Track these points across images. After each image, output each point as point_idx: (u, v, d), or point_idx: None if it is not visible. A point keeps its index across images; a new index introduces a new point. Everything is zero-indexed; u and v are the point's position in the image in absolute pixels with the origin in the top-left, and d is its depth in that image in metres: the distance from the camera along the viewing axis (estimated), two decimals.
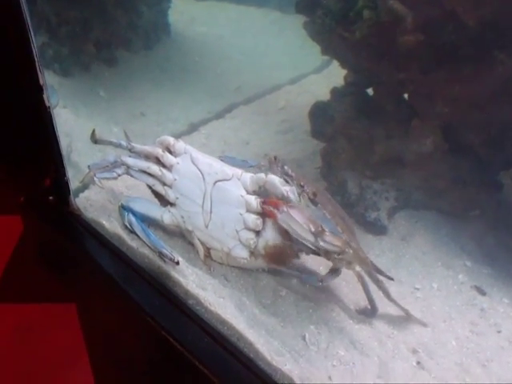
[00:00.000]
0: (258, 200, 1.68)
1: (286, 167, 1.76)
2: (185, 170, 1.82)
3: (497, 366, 1.56)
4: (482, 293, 1.82)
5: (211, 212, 1.78)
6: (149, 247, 1.83)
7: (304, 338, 1.58)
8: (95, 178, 1.90)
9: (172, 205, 1.86)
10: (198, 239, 1.83)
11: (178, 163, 1.83)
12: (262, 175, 1.70)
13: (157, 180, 1.86)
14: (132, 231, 1.88)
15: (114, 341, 2.18)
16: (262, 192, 1.71)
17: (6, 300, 3.46)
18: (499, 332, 1.67)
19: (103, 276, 1.87)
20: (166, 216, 1.87)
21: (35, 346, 3.19)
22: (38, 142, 1.99)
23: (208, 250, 1.83)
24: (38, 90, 1.82)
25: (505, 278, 1.88)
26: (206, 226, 1.80)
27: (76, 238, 2.04)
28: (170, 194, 1.85)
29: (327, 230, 1.52)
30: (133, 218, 1.87)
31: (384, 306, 1.72)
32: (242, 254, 1.76)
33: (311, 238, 1.52)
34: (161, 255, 1.78)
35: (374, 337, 1.61)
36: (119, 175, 1.91)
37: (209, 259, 1.83)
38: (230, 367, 1.53)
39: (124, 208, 1.90)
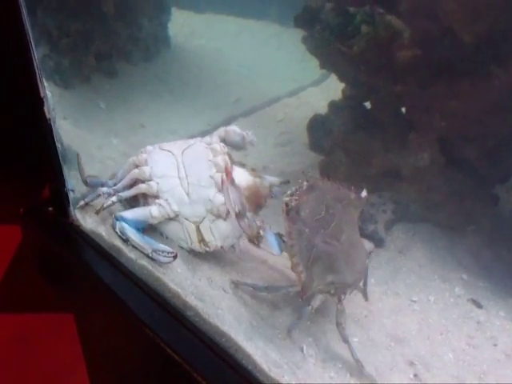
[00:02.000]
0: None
1: None
2: (156, 157, 2.02)
3: (493, 379, 1.56)
4: (479, 306, 1.82)
5: (187, 176, 1.93)
6: (141, 251, 1.85)
7: (302, 349, 1.58)
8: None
9: (157, 198, 1.93)
10: (187, 219, 1.89)
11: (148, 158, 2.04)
12: (222, 128, 2.02)
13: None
14: (123, 238, 1.89)
15: (112, 351, 2.17)
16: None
17: (3, 310, 3.46)
18: (495, 345, 1.68)
19: (102, 287, 1.87)
20: (153, 209, 1.91)
21: (32, 356, 3.19)
22: (38, 154, 1.99)
23: (199, 230, 1.87)
24: (39, 102, 1.83)
25: (501, 292, 1.88)
26: (187, 194, 1.90)
27: (75, 249, 2.05)
28: (152, 185, 1.94)
29: (247, 217, 1.61)
30: (124, 224, 1.89)
31: (382, 318, 1.73)
32: (222, 200, 1.84)
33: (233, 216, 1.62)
34: (155, 253, 1.80)
35: (372, 349, 1.62)
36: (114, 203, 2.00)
37: (203, 244, 1.86)
38: (229, 379, 1.53)
39: (117, 219, 1.92)
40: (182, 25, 4.02)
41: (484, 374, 1.57)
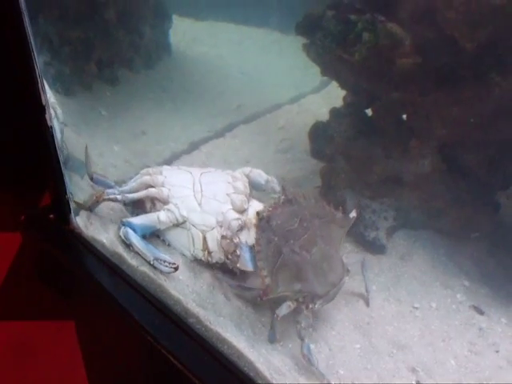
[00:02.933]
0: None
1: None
2: (172, 172, 2.07)
3: None
4: (480, 312, 1.82)
5: (202, 191, 1.96)
6: (142, 257, 1.86)
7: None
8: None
9: (166, 203, 1.95)
10: (194, 226, 1.89)
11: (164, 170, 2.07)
12: (248, 168, 2.09)
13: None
14: (126, 243, 1.90)
15: (112, 358, 2.17)
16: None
17: (2, 317, 3.45)
18: (497, 352, 1.68)
19: (103, 294, 1.87)
20: (161, 214, 1.92)
21: (31, 364, 3.18)
22: (40, 161, 2.00)
23: (205, 239, 1.87)
24: (40, 109, 1.83)
25: (503, 298, 1.88)
26: (199, 204, 1.92)
27: (76, 256, 2.05)
28: (164, 190, 1.97)
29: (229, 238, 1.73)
30: (128, 229, 1.89)
31: (384, 325, 1.74)
32: (235, 216, 1.86)
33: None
34: (156, 261, 1.81)
35: (374, 355, 1.62)
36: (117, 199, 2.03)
37: (206, 253, 1.86)
38: None
39: (123, 224, 1.92)
40: (183, 32, 4.03)
41: (486, 380, 1.57)
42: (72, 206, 2.06)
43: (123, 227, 1.92)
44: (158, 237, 1.97)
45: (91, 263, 1.99)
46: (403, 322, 1.75)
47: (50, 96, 2.26)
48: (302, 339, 1.57)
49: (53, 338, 3.33)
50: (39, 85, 1.80)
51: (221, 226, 1.86)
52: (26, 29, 1.69)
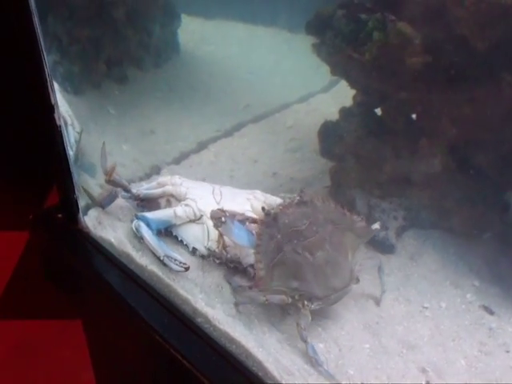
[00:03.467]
0: None
1: None
2: (191, 181, 2.12)
3: None
4: (491, 312, 1.81)
5: (221, 194, 2.01)
6: (152, 252, 1.87)
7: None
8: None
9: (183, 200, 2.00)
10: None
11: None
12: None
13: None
14: (138, 236, 1.92)
15: (120, 358, 2.18)
16: None
17: (9, 316, 3.47)
18: (508, 352, 1.67)
19: (111, 294, 1.87)
20: (178, 209, 1.95)
21: (39, 363, 3.21)
22: (48, 160, 2.00)
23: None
24: (50, 109, 1.84)
25: None
26: (217, 203, 1.95)
27: (84, 256, 2.06)
28: (182, 188, 2.03)
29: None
30: (141, 223, 1.90)
31: (394, 325, 1.73)
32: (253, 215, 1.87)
33: None
34: (167, 258, 1.82)
35: (384, 356, 1.61)
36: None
37: (221, 245, 1.87)
38: None
39: (137, 217, 1.93)
40: (191, 31, 4.02)
41: (496, 380, 1.56)
42: (80, 205, 2.07)
43: (136, 220, 1.92)
44: (171, 233, 1.98)
45: (99, 263, 2.00)
46: (413, 321, 1.74)
47: (67, 110, 2.30)
48: (305, 341, 1.56)
49: (59, 338, 3.35)
50: (48, 84, 1.80)
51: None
52: (36, 28, 1.70)
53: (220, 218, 1.66)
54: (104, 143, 2.13)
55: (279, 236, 1.64)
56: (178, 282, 1.80)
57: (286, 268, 1.62)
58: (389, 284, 1.85)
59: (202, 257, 1.92)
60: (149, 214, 1.96)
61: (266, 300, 1.63)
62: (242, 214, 1.79)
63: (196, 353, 1.61)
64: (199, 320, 1.69)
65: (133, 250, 1.93)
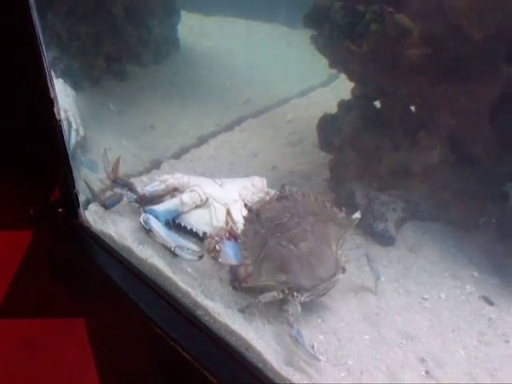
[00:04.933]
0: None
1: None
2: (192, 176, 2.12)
3: (505, 376, 1.55)
4: (490, 303, 1.82)
5: (222, 181, 2.07)
6: (162, 244, 1.90)
7: (313, 347, 1.58)
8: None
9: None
10: (216, 201, 1.99)
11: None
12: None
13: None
14: (147, 229, 1.93)
15: (122, 353, 2.19)
16: None
17: (13, 314, 3.48)
18: (507, 342, 1.67)
19: (112, 287, 1.88)
20: (184, 196, 1.99)
21: (42, 360, 3.21)
22: (48, 155, 2.01)
23: (229, 212, 1.97)
24: (49, 103, 1.84)
25: None
26: (220, 186, 2.04)
27: (85, 250, 2.06)
28: (184, 178, 2.07)
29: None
30: (149, 216, 1.91)
31: (393, 316, 1.73)
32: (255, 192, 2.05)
33: None
34: (178, 249, 1.84)
35: (383, 346, 1.61)
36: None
37: (231, 222, 1.94)
38: (239, 377, 1.54)
39: (145, 211, 1.94)
40: (191, 27, 4.04)
41: (496, 370, 1.56)
42: (81, 200, 2.07)
43: (144, 213, 1.93)
44: (180, 225, 2.00)
45: (100, 257, 2.01)
46: (412, 312, 1.75)
47: (74, 113, 2.32)
48: (291, 325, 1.58)
49: (63, 336, 3.35)
50: (48, 78, 1.81)
51: (243, 200, 1.98)
52: (35, 24, 1.70)
53: (215, 248, 1.68)
54: (105, 149, 2.16)
55: (263, 231, 1.68)
56: (178, 275, 1.80)
57: (273, 261, 1.65)
58: (388, 275, 1.86)
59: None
60: (156, 207, 1.98)
61: (259, 302, 1.65)
62: (225, 229, 1.86)
63: (196, 345, 1.62)
64: (199, 312, 1.70)
65: (133, 243, 1.94)
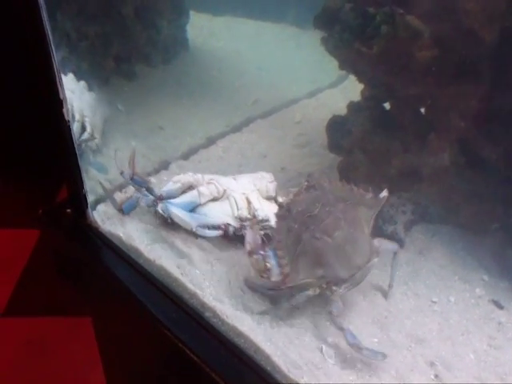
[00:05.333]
0: None
1: None
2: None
3: None
4: (500, 307, 1.81)
5: (234, 176, 2.08)
6: (183, 226, 1.92)
7: (321, 350, 1.58)
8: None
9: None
10: (234, 191, 2.00)
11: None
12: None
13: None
14: (166, 216, 1.94)
15: (129, 353, 2.18)
16: None
17: (20, 313, 3.49)
18: None
19: (120, 288, 1.88)
20: (201, 188, 1.99)
21: (49, 359, 3.22)
22: (57, 155, 2.00)
23: (247, 199, 1.97)
24: (58, 103, 1.84)
25: None
26: (234, 179, 2.05)
27: (93, 251, 2.06)
28: (198, 175, 2.08)
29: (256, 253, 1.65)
30: (167, 203, 1.91)
31: (402, 319, 1.73)
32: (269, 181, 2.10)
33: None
34: (200, 228, 1.87)
35: (392, 349, 1.61)
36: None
37: (252, 209, 1.94)
38: (247, 380, 1.54)
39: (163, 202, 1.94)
40: (200, 27, 4.03)
41: (506, 374, 1.55)
42: (89, 200, 2.07)
43: (161, 203, 1.93)
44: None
45: (108, 257, 2.01)
46: (421, 316, 1.74)
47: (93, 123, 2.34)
48: (341, 328, 1.57)
49: (70, 334, 3.36)
50: (57, 79, 1.81)
51: (258, 190, 2.02)
52: (45, 24, 1.70)
53: (266, 267, 1.63)
54: (116, 151, 2.19)
55: (296, 226, 1.63)
56: (186, 276, 1.80)
57: (309, 257, 1.61)
58: (397, 278, 1.84)
59: (234, 233, 1.93)
60: (173, 200, 1.98)
61: (292, 306, 1.64)
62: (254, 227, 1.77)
63: (204, 347, 1.62)
64: (207, 314, 1.69)
65: (141, 244, 1.93)
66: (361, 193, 1.72)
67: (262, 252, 1.64)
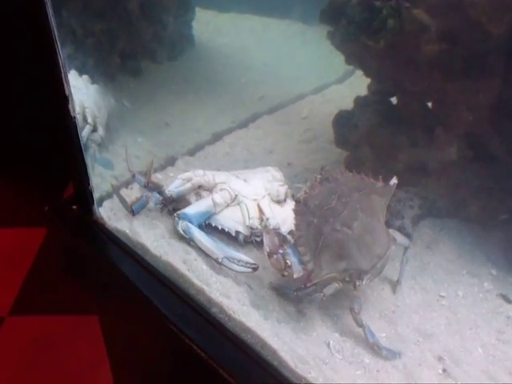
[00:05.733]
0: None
1: None
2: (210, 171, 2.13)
3: None
4: (508, 301, 1.80)
5: (242, 174, 2.11)
6: (207, 253, 1.85)
7: (328, 345, 1.58)
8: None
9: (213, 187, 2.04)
10: (245, 197, 1.98)
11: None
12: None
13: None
14: (187, 238, 1.90)
15: (136, 350, 2.18)
16: None
17: (27, 311, 3.49)
18: None
19: (126, 284, 1.88)
20: (215, 196, 1.97)
21: (56, 357, 3.22)
22: (63, 152, 2.00)
23: (259, 206, 1.95)
24: (64, 100, 1.84)
25: None
26: (245, 181, 2.03)
27: (99, 247, 2.06)
28: (209, 176, 2.07)
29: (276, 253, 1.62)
30: (189, 224, 1.89)
31: (410, 313, 1.72)
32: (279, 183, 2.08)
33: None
34: (227, 260, 1.79)
35: (400, 344, 1.60)
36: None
37: (264, 219, 1.92)
38: (254, 375, 1.53)
39: (179, 217, 1.92)
40: (206, 24, 4.03)
41: None
42: (95, 196, 2.07)
43: (181, 221, 1.90)
44: (210, 225, 1.98)
45: (114, 253, 2.00)
46: (429, 310, 1.73)
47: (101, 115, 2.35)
48: (362, 325, 1.57)
49: (76, 332, 3.36)
50: (63, 75, 1.80)
51: (269, 194, 2.01)
52: (50, 21, 1.69)
53: (286, 265, 1.61)
54: (126, 149, 2.21)
55: (315, 220, 1.61)
56: (193, 272, 1.79)
57: (331, 250, 1.59)
58: (405, 273, 1.84)
59: (244, 240, 1.93)
60: (188, 210, 1.94)
61: (324, 296, 1.61)
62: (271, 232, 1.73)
63: (211, 342, 1.61)
64: (214, 310, 1.69)
65: (147, 240, 1.93)
66: (372, 182, 1.72)
67: (280, 251, 1.62)
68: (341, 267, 1.60)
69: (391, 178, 1.75)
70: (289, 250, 1.62)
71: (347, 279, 1.63)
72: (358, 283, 1.62)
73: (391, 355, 1.54)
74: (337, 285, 1.63)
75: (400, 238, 1.82)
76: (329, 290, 1.62)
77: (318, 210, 1.62)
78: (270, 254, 1.64)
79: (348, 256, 1.60)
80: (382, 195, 1.73)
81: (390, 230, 1.76)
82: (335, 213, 1.61)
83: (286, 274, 1.62)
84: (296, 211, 1.64)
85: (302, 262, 1.60)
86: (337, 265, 1.60)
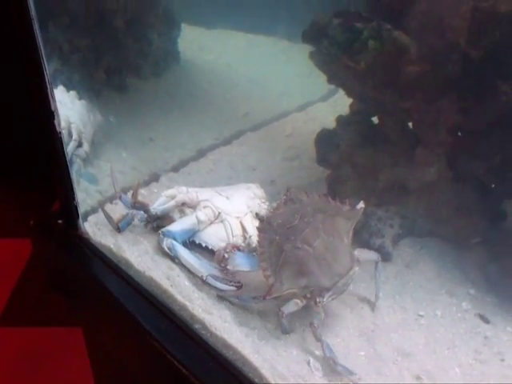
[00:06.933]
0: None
1: None
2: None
3: None
4: (486, 321, 1.81)
5: (225, 191, 2.10)
6: (192, 271, 1.88)
7: (308, 363, 1.59)
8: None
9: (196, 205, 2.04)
10: (228, 215, 1.99)
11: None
12: None
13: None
14: (172, 255, 1.92)
15: (119, 364, 2.18)
16: None
17: (13, 323, 3.48)
18: (503, 360, 1.67)
19: (110, 299, 1.88)
20: (199, 214, 1.99)
21: (42, 370, 3.21)
22: (49, 167, 2.01)
23: (242, 224, 1.98)
24: (49, 115, 1.85)
25: (508, 307, 1.87)
26: (227, 198, 2.04)
27: (84, 262, 2.07)
28: (192, 193, 2.07)
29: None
30: (174, 242, 1.91)
31: (389, 332, 1.74)
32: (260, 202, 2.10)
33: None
34: (211, 278, 1.82)
35: (378, 363, 1.62)
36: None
37: (247, 237, 1.95)
38: None
39: (163, 234, 1.93)
40: (191, 40, 4.04)
41: None
42: (80, 211, 2.08)
43: (165, 238, 1.92)
44: (194, 242, 2.00)
45: (99, 268, 2.01)
46: (408, 329, 1.75)
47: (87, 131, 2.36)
48: (320, 339, 1.59)
49: (63, 345, 3.36)
50: (49, 91, 1.82)
51: (251, 212, 2.00)
52: (36, 36, 1.71)
53: (224, 257, 1.73)
54: (111, 167, 2.21)
55: (277, 238, 1.67)
56: (176, 288, 1.80)
57: (292, 266, 1.64)
58: (384, 292, 1.85)
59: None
60: (173, 228, 1.96)
61: (282, 313, 1.65)
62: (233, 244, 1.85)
63: (193, 359, 1.62)
64: (196, 326, 1.70)
65: (131, 255, 1.94)
66: (338, 205, 1.76)
67: (227, 249, 1.76)
68: (302, 283, 1.64)
69: (371, 201, 1.79)
70: (237, 252, 1.75)
71: (308, 295, 1.65)
72: (318, 300, 1.64)
73: (346, 372, 1.55)
74: (298, 301, 1.66)
75: (367, 254, 1.85)
76: (288, 307, 1.66)
77: (280, 228, 1.68)
78: (217, 252, 1.78)
79: (308, 273, 1.64)
80: (348, 218, 1.76)
81: (357, 250, 1.78)
82: (297, 231, 1.67)
83: (222, 265, 1.74)
84: (259, 229, 1.72)
85: (252, 265, 1.72)
86: (297, 281, 1.64)
